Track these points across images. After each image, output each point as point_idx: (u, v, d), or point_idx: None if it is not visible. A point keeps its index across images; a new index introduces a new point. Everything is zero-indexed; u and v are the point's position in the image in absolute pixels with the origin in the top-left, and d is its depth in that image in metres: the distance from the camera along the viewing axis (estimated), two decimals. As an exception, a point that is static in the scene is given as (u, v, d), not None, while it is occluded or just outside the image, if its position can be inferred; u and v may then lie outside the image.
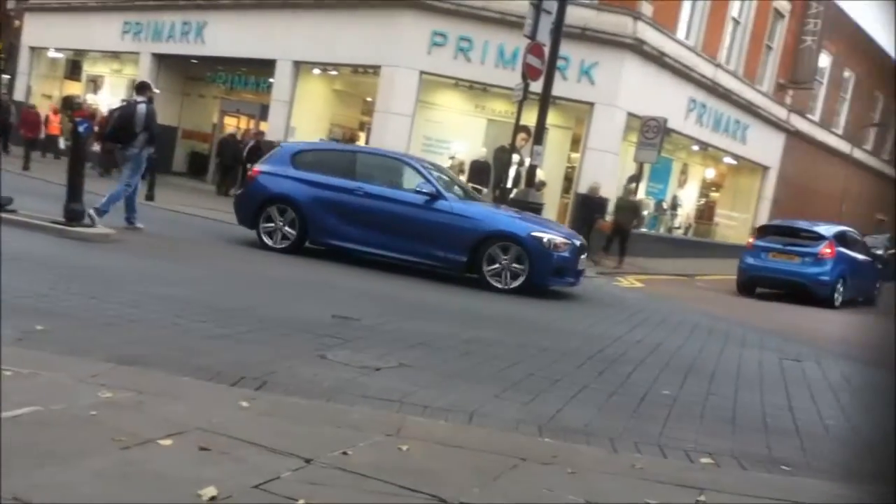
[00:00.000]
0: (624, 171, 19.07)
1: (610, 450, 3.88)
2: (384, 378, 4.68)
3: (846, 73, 29.21)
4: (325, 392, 4.21)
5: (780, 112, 24.66)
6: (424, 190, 9.74)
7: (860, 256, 14.93)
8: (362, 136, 20.64)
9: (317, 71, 20.14)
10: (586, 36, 16.62)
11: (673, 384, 5.57)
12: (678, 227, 23.13)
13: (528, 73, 13.72)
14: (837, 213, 26.42)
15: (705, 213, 24.88)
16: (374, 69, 18.04)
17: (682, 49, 19.29)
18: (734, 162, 24.12)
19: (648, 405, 4.88)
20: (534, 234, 9.63)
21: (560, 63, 14.47)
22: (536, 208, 13.23)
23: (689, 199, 23.75)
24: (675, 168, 22.55)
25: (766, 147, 24.27)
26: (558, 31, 13.30)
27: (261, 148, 19.54)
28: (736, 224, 25.68)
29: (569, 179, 18.17)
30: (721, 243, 24.61)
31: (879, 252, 16.51)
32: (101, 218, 9.35)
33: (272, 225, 10.02)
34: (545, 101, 13.42)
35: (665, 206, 22.10)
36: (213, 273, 8.35)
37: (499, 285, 9.45)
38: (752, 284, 14.52)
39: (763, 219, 25.28)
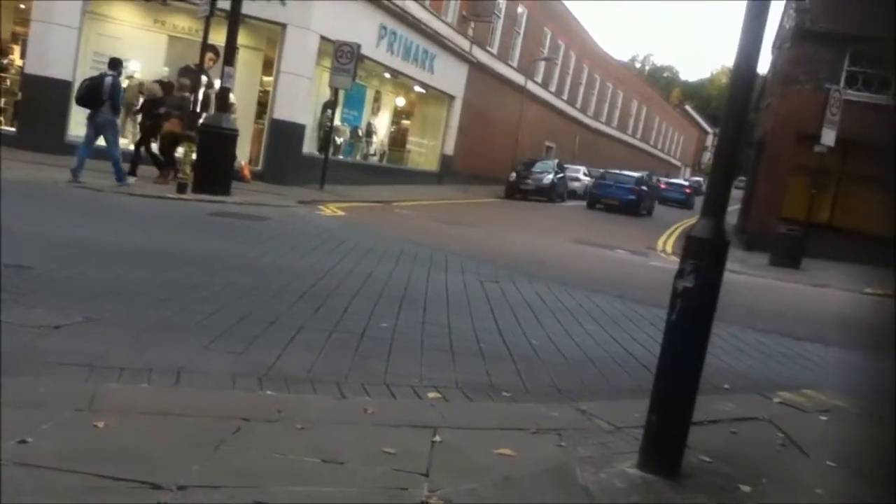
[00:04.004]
0: (319, 97, 18.72)
1: (338, 396, 3.65)
2: (67, 338, 3.95)
3: (520, 9, 31.33)
4: (-10, 363, 3.42)
5: (463, 43, 25.80)
6: None
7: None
8: (16, 49, 17.66)
9: (-50, -32, 16.71)
10: (276, -48, 15.72)
11: (389, 316, 5.50)
12: (373, 154, 23.43)
13: (215, -13, 12.58)
14: (514, 140, 28.68)
15: (398, 141, 25.47)
16: (29, -28, 15.41)
17: (373, -26, 19.14)
18: (423, 91, 24.88)
19: (369, 341, 4.72)
20: None
21: (249, -21, 13.47)
22: (231, 135, 12.40)
23: (382, 127, 24.10)
24: (368, 95, 22.65)
25: (451, 77, 25.37)
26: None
27: None
28: (426, 151, 26.73)
29: (262, 104, 17.34)
30: (413, 169, 25.51)
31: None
32: (125, 181, 11.48)
33: None
34: (235, 17, 12.45)
35: (360, 132, 22.20)
36: None
37: None
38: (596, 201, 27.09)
39: (450, 146, 26.63)
